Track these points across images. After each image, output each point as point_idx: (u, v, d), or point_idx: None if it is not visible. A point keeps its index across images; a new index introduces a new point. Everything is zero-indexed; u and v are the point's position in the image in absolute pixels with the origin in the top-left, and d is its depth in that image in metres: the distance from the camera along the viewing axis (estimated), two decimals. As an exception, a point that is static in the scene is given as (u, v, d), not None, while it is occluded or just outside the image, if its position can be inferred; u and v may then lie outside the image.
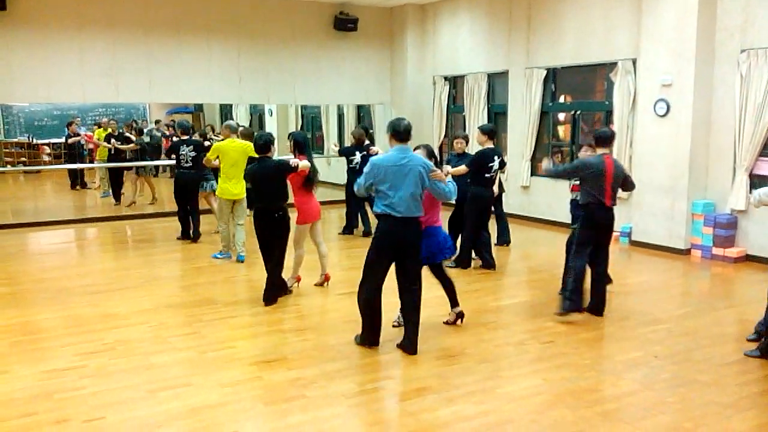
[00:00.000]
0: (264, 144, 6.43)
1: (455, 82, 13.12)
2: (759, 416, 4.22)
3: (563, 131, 11.35)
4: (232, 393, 4.49)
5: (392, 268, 5.17)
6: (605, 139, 6.15)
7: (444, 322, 5.88)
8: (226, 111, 21.47)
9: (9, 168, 19.44)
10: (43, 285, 7.45)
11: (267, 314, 6.28)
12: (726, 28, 8.52)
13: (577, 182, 6.41)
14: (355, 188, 5.35)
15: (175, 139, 9.70)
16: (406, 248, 5.08)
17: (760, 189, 5.39)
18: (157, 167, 16.68)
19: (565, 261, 6.57)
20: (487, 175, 7.77)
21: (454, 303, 5.83)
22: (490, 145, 7.85)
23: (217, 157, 8.21)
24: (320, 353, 5.24)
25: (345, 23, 13.03)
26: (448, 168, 7.77)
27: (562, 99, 11.19)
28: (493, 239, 8.57)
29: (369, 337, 5.28)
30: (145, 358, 5.13)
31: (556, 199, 10.51)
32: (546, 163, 6.55)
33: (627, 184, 6.33)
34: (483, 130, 7.93)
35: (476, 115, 12.23)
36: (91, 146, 15.64)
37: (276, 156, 6.83)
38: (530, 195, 11.44)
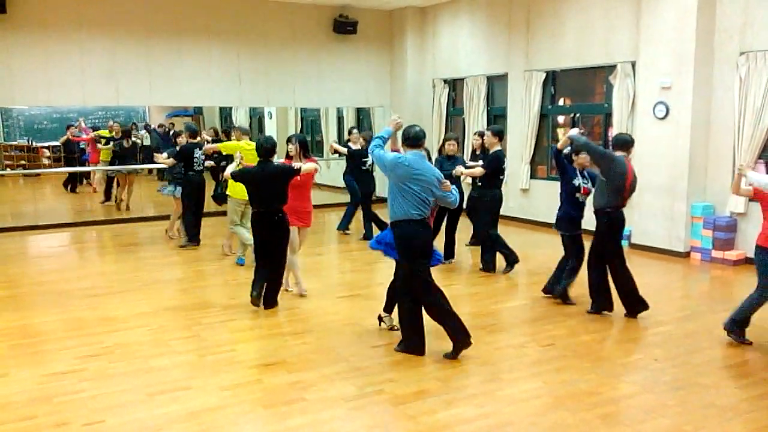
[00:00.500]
0: (272, 147, 6.49)
1: (455, 85, 13.13)
2: (759, 419, 4.21)
3: (563, 134, 11.36)
4: (232, 396, 4.48)
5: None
6: (626, 144, 6.14)
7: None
8: (225, 114, 21.45)
9: (8, 171, 19.44)
10: (43, 288, 7.45)
11: (266, 317, 6.27)
12: (725, 30, 8.53)
13: (587, 185, 6.41)
14: (376, 152, 5.21)
15: (182, 141, 9.66)
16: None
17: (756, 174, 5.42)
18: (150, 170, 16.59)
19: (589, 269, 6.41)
20: (501, 177, 7.88)
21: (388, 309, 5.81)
22: (499, 147, 7.89)
23: (216, 154, 8.23)
24: (320, 356, 5.23)
25: (345, 26, 13.06)
26: (461, 169, 7.83)
27: (561, 102, 11.20)
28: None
29: (418, 344, 5.27)
30: (144, 362, 5.13)
31: (555, 202, 10.41)
32: (576, 132, 6.34)
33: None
34: (494, 131, 7.92)
35: (476, 118, 12.24)
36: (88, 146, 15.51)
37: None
38: (529, 198, 11.45)
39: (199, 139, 9.77)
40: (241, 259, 8.43)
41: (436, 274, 5.72)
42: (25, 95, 11.20)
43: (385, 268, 7.99)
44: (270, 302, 6.52)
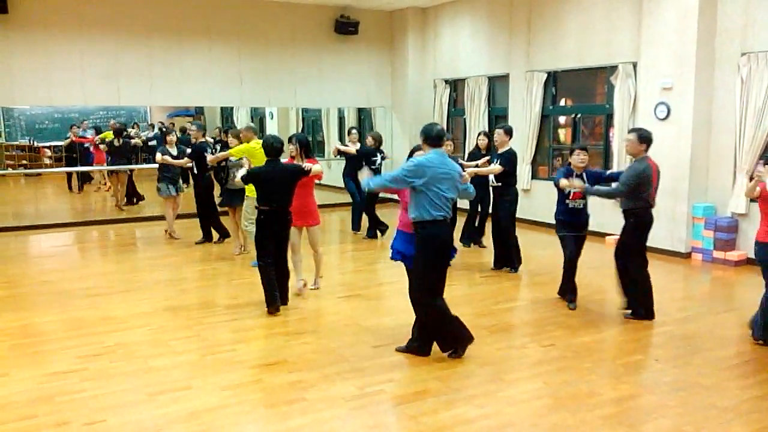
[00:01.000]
0: (280, 147, 6.51)
1: (456, 86, 13.13)
2: (760, 420, 4.20)
3: (564, 134, 11.35)
4: (233, 396, 4.48)
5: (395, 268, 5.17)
6: (649, 140, 6.05)
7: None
8: (226, 114, 21.49)
9: (10, 171, 19.46)
10: (44, 288, 7.45)
11: (267, 317, 6.27)
12: (726, 31, 8.53)
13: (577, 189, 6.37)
14: (370, 183, 5.26)
15: (193, 140, 9.68)
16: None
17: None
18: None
19: (622, 274, 6.30)
20: (516, 175, 8.11)
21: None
22: (509, 145, 7.94)
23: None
24: (320, 356, 5.23)
25: (346, 27, 13.06)
26: (473, 170, 7.89)
27: (562, 102, 11.20)
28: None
29: (462, 342, 5.18)
30: (145, 362, 5.13)
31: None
32: (578, 182, 6.25)
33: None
34: (506, 130, 7.96)
35: (477, 119, 12.24)
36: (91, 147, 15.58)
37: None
38: (531, 198, 11.44)
39: (209, 139, 9.85)
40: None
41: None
42: (26, 95, 11.20)
43: (386, 268, 8.01)
44: (285, 299, 6.56)
